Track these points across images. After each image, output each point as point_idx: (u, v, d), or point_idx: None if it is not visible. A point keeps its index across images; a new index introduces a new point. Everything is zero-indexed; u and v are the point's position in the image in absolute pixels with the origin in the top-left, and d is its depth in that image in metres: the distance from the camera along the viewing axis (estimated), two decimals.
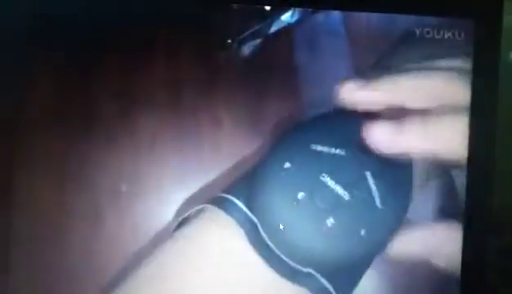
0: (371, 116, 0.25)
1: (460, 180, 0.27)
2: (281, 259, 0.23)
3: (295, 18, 0.30)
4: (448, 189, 0.28)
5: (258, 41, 0.30)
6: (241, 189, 0.25)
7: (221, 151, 0.30)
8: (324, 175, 0.24)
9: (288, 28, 0.30)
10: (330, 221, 0.23)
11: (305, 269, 0.23)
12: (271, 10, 0.29)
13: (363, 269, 0.25)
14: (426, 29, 0.28)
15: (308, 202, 0.23)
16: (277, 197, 0.24)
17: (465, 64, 0.27)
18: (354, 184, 0.24)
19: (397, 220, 0.25)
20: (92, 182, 0.29)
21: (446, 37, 0.28)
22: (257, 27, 0.30)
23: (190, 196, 0.29)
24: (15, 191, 0.29)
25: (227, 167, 0.29)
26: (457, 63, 0.27)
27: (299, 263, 0.23)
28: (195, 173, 0.29)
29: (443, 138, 0.25)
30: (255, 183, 0.25)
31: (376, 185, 0.24)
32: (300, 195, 0.23)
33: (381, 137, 0.24)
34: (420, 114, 0.24)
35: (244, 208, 0.24)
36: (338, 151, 0.24)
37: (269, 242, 0.23)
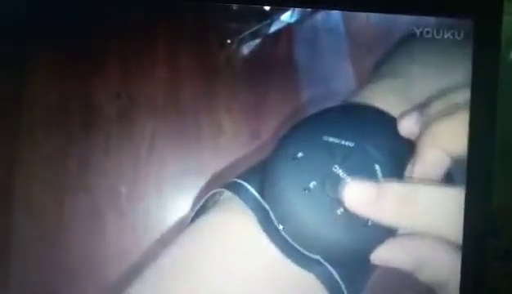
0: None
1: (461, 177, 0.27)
2: (291, 245, 0.24)
3: (295, 18, 0.30)
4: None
5: (258, 41, 0.30)
6: (254, 176, 0.26)
7: (220, 152, 0.30)
8: (336, 166, 0.24)
9: (287, 28, 0.30)
10: (340, 210, 0.24)
11: (314, 256, 0.24)
12: (270, 10, 0.29)
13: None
14: (426, 29, 0.28)
15: (319, 191, 0.24)
16: (289, 185, 0.24)
17: (465, 65, 0.27)
18: (364, 176, 0.24)
19: None
20: (92, 183, 0.29)
21: (445, 37, 0.28)
22: (256, 27, 0.30)
23: (205, 184, 0.29)
24: (16, 192, 0.29)
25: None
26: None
27: (308, 250, 0.24)
28: (195, 174, 0.29)
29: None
30: (267, 171, 0.25)
31: (384, 178, 0.24)
32: (312, 184, 0.24)
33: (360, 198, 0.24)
34: None
35: (257, 195, 0.25)
36: (348, 143, 0.25)
37: (280, 229, 0.24)
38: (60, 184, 0.29)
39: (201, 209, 0.27)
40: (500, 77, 0.27)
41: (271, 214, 0.25)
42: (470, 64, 0.27)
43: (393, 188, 0.24)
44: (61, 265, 0.29)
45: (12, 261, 0.29)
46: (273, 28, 0.30)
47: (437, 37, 0.28)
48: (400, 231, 0.25)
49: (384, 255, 0.25)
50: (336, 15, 0.30)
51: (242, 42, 0.30)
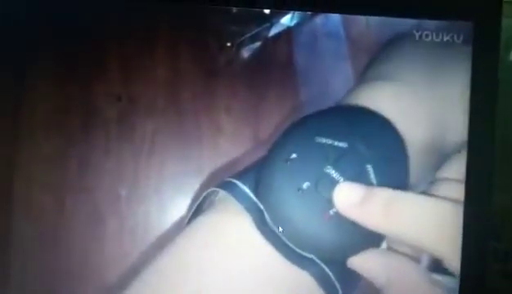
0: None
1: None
2: (286, 244, 0.24)
3: (295, 21, 0.30)
4: None
5: (258, 44, 0.30)
6: (249, 176, 0.26)
7: (220, 154, 0.30)
8: (329, 167, 0.25)
9: (287, 32, 0.30)
10: (333, 211, 0.24)
11: (308, 255, 0.24)
12: (270, 13, 0.29)
13: None
14: (425, 32, 0.28)
15: (313, 191, 0.24)
16: (283, 185, 0.25)
17: (464, 68, 0.27)
18: (356, 176, 0.24)
19: None
20: (92, 184, 0.30)
21: (445, 39, 0.28)
22: (256, 30, 0.30)
23: (202, 184, 0.30)
24: (16, 193, 0.29)
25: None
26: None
27: (302, 249, 0.24)
28: (195, 175, 0.29)
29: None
30: (262, 171, 0.26)
31: (376, 179, 0.25)
32: (305, 185, 0.24)
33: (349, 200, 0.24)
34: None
35: (251, 194, 0.25)
36: (341, 144, 0.25)
37: (274, 229, 0.24)
38: (61, 186, 0.29)
39: (198, 210, 0.27)
40: (500, 77, 0.27)
41: (266, 214, 0.25)
42: (469, 66, 0.27)
43: (381, 193, 0.24)
44: (61, 265, 0.29)
45: (12, 261, 0.29)
46: (273, 32, 0.30)
47: (436, 40, 0.28)
48: (387, 239, 0.25)
49: (360, 263, 0.25)
50: (336, 18, 0.30)
51: (242, 44, 0.30)
